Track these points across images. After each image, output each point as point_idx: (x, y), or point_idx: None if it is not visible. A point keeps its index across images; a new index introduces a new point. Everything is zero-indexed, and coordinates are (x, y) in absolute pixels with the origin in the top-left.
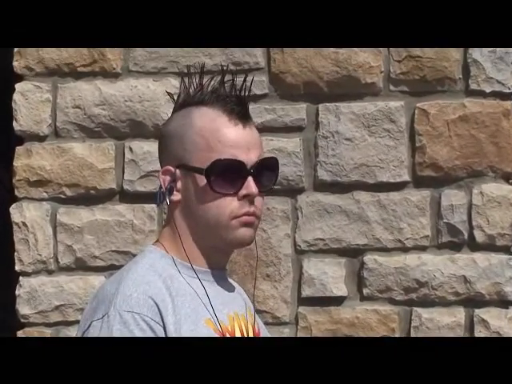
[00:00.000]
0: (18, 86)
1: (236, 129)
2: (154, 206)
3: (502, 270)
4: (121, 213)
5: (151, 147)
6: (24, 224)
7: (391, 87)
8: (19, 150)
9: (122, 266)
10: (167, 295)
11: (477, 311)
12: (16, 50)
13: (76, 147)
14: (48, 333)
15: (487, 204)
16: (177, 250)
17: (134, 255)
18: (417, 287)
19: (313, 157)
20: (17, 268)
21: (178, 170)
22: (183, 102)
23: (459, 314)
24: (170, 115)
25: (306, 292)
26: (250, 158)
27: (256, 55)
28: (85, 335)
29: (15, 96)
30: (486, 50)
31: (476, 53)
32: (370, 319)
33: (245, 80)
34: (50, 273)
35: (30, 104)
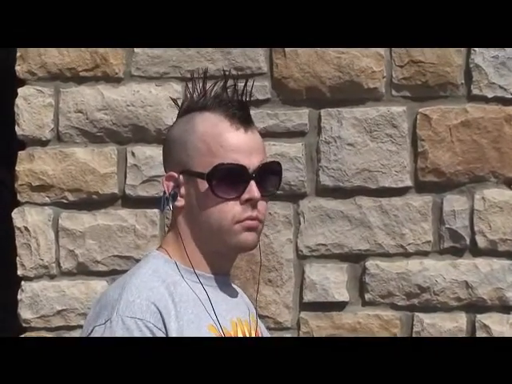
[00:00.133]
0: (20, 90)
1: (238, 133)
2: (156, 210)
3: (503, 276)
4: (123, 218)
5: (153, 152)
6: (26, 229)
7: (393, 92)
8: (21, 154)
9: (124, 271)
10: (170, 301)
11: (479, 316)
12: (18, 54)
13: (78, 152)
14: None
15: (489, 209)
16: (180, 256)
17: (137, 260)
18: (419, 292)
19: (315, 162)
20: (19, 273)
21: (181, 176)
22: (187, 108)
23: (461, 320)
24: (173, 120)
25: (308, 297)
26: (252, 162)
27: (258, 60)
28: None
29: (17, 100)
30: (488, 55)
31: (478, 58)
32: (371, 324)
33: (245, 84)
34: (51, 277)
35: (33, 109)
